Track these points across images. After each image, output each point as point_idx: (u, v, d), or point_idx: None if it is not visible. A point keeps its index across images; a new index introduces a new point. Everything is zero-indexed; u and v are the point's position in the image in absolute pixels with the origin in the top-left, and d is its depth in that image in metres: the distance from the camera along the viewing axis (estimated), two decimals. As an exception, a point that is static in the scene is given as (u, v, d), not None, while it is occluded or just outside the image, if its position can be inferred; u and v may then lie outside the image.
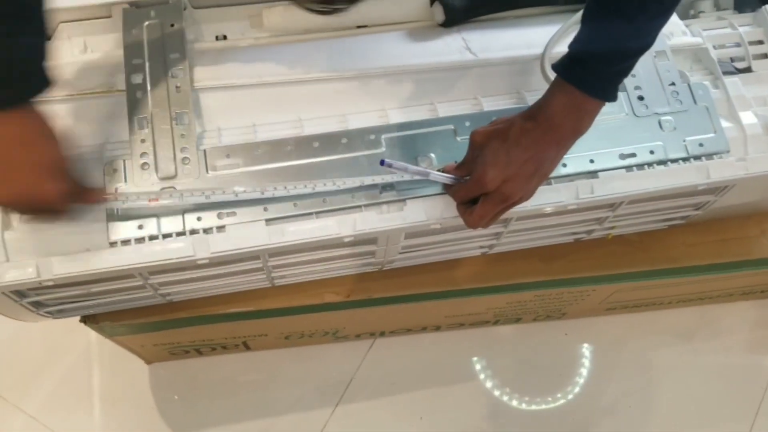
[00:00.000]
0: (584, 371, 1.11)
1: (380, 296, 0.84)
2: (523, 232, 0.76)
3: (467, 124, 0.69)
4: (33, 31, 0.54)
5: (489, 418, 1.07)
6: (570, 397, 1.09)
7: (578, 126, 0.61)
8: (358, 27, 0.77)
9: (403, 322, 1.02)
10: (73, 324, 1.05)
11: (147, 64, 0.69)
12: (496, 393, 1.08)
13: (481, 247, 0.80)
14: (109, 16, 0.73)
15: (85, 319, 0.79)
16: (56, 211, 0.59)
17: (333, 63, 0.73)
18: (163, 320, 0.80)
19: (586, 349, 1.12)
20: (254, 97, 0.71)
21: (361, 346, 1.09)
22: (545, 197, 0.67)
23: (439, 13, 0.75)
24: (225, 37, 0.76)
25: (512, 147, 0.60)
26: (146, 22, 0.71)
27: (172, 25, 0.71)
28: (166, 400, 1.05)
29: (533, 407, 1.08)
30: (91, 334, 1.07)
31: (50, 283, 0.61)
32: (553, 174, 0.67)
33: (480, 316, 1.02)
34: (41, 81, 0.55)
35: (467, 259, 0.84)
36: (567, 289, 0.92)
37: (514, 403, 1.08)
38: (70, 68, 0.71)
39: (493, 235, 0.75)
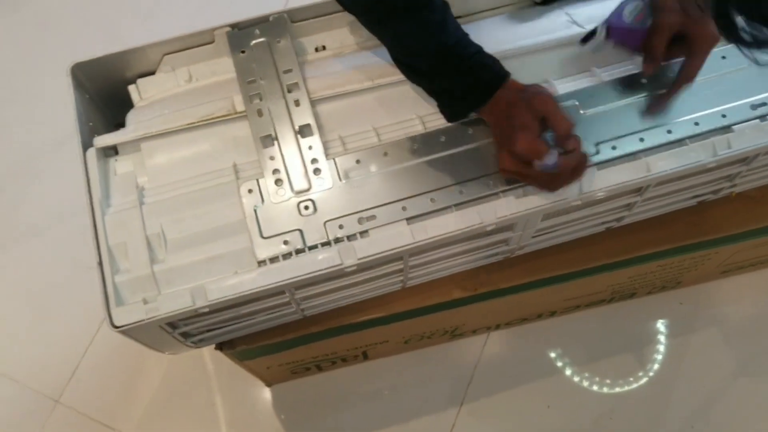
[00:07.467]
0: (705, 340, 1.08)
1: (507, 286, 0.82)
2: (653, 200, 0.74)
3: (591, 97, 0.68)
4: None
5: (616, 398, 1.04)
6: (694, 367, 1.06)
7: None
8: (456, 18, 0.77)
9: (521, 312, 1.01)
10: (187, 356, 1.08)
11: (262, 83, 0.69)
12: (617, 372, 1.06)
13: (608, 222, 0.78)
14: (211, 42, 0.73)
15: (221, 346, 0.79)
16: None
17: (439, 56, 0.72)
18: (298, 336, 0.80)
19: (705, 316, 1.09)
20: (368, 101, 0.71)
21: (476, 341, 1.08)
22: (683, 158, 0.65)
23: (537, -8, 0.74)
24: (324, 48, 0.76)
25: None
26: (253, 42, 0.71)
27: (279, 41, 0.71)
28: (293, 419, 1.05)
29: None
30: (207, 364, 1.09)
31: (206, 310, 0.61)
32: (686, 134, 0.66)
33: (598, 295, 1.00)
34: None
35: (587, 237, 0.82)
36: (690, 255, 0.89)
37: (642, 381, 1.05)
38: (182, 98, 0.71)
39: (624, 207, 0.73)
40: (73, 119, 0.66)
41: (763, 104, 0.68)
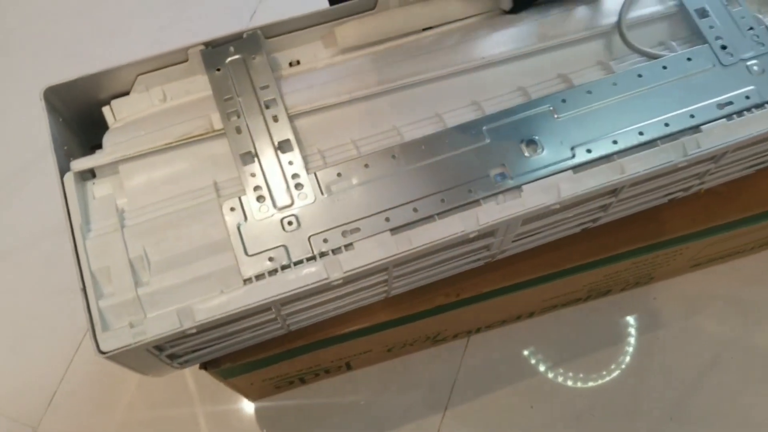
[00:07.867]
0: (678, 333, 1.10)
1: (489, 290, 0.83)
2: (628, 200, 0.76)
3: (563, 101, 0.69)
4: None
5: (596, 394, 1.06)
6: (669, 360, 1.08)
7: None
8: (424, 30, 0.78)
9: (501, 314, 1.02)
10: (168, 376, 1.06)
11: (239, 100, 0.69)
12: (596, 368, 1.08)
13: (584, 223, 0.79)
14: (185, 61, 0.73)
15: (206, 365, 0.79)
16: None
17: (414, 67, 0.73)
18: (282, 351, 0.80)
19: (679, 310, 1.11)
20: (345, 114, 0.71)
21: (457, 346, 1.09)
22: (655, 159, 0.67)
23: (506, 2, 0.75)
24: (298, 62, 0.76)
25: None
26: (228, 59, 0.71)
27: (254, 58, 0.71)
28: (278, 434, 1.05)
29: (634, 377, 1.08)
30: (189, 383, 1.08)
31: (193, 331, 0.61)
32: (657, 135, 0.68)
33: (575, 294, 1.02)
34: None
35: (564, 239, 0.83)
36: (663, 252, 0.92)
37: (621, 376, 1.07)
38: (158, 118, 0.71)
39: (600, 208, 0.75)
40: (49, 144, 0.65)
41: (729, 103, 0.70)
